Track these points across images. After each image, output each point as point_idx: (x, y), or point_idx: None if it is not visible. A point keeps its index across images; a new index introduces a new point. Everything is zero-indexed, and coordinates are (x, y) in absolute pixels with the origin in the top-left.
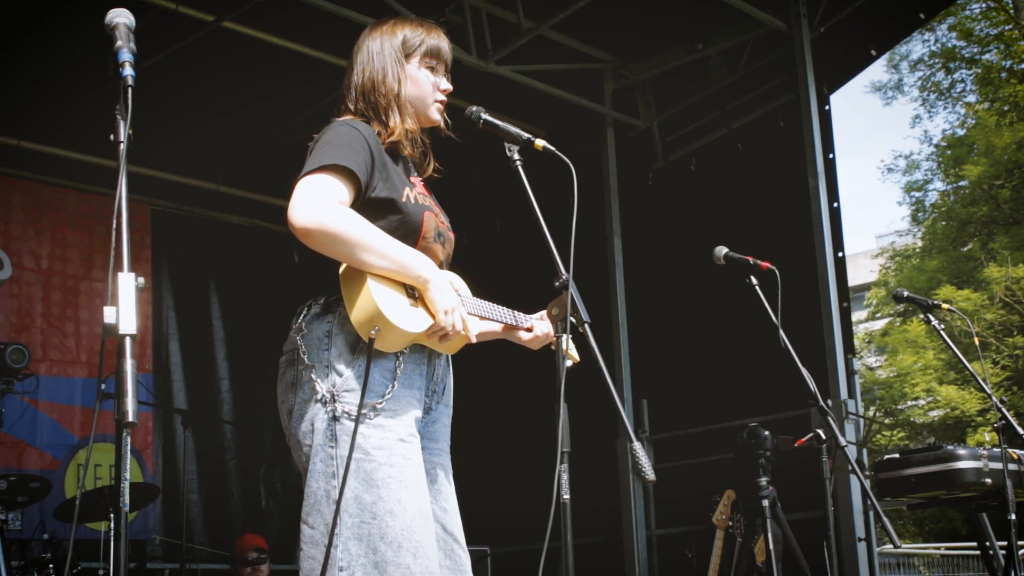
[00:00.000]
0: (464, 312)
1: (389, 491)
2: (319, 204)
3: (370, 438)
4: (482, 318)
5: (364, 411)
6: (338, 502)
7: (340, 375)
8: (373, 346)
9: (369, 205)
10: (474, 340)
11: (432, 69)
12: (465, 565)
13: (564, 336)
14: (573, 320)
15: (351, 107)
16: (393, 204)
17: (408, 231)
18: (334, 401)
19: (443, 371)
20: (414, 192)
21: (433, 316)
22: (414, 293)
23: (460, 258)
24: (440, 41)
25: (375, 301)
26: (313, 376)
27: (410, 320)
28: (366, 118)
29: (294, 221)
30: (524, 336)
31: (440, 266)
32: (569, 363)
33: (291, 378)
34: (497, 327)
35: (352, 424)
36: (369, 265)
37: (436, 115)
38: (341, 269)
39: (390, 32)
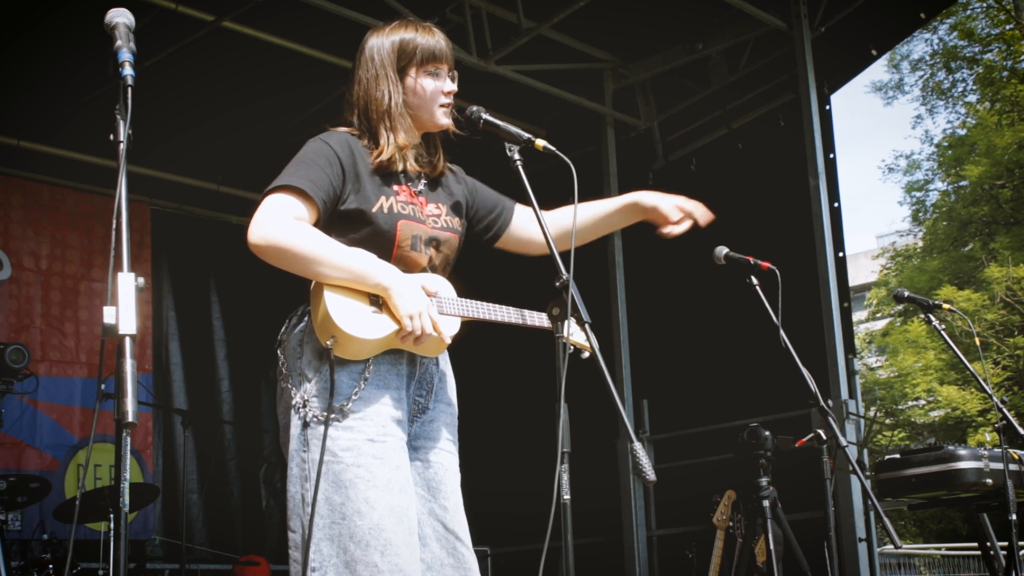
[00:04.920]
0: (434, 314)
1: (356, 491)
2: (271, 221)
3: (338, 440)
4: (466, 318)
5: (332, 415)
6: (312, 504)
7: (309, 381)
8: (335, 354)
9: (340, 217)
10: (447, 341)
11: (433, 74)
12: (469, 563)
13: (574, 330)
14: (574, 320)
15: (351, 120)
16: (362, 215)
17: (381, 241)
18: (304, 407)
19: (435, 370)
20: (390, 201)
21: (398, 322)
22: (379, 300)
23: (459, 258)
24: (436, 43)
25: (328, 311)
26: (290, 385)
27: (369, 327)
28: (360, 132)
29: (249, 238)
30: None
31: (424, 271)
32: (586, 354)
33: (279, 389)
34: (615, 212)
35: (320, 428)
36: (324, 277)
37: (443, 119)
38: (312, 283)
39: (385, 41)
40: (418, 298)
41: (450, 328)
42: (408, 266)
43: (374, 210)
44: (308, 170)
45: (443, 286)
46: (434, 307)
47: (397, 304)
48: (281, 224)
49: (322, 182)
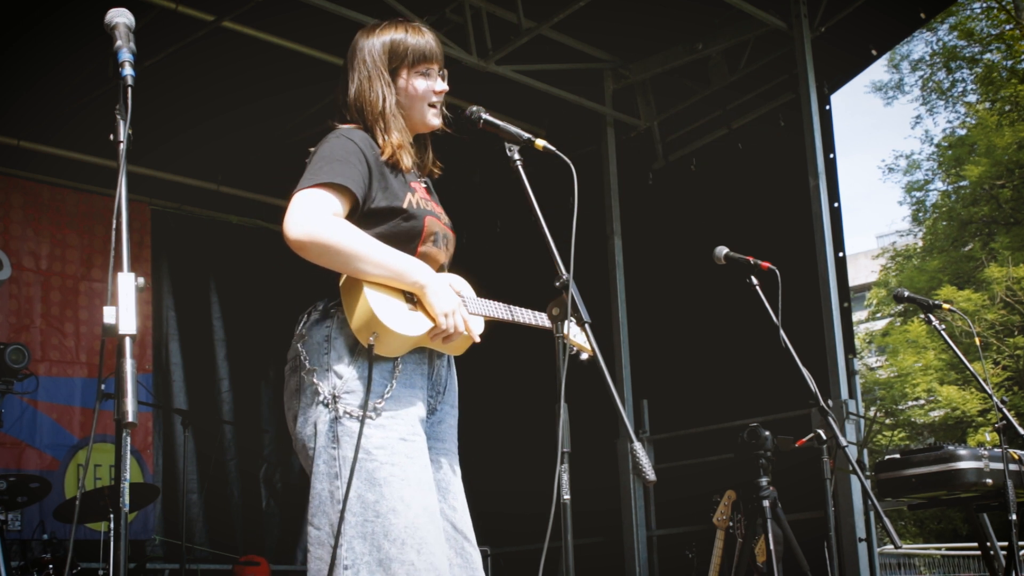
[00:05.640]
0: (465, 313)
1: (391, 489)
2: (312, 217)
3: (371, 438)
4: (487, 318)
5: (363, 413)
6: (344, 501)
7: (340, 377)
8: (373, 351)
9: (370, 215)
10: (477, 340)
11: (424, 75)
12: (476, 563)
13: (574, 332)
14: (574, 320)
15: (347, 117)
16: (394, 212)
17: (409, 237)
18: (335, 403)
19: (445, 372)
20: (415, 197)
21: (433, 320)
22: (413, 298)
23: (460, 258)
24: (427, 43)
25: (371, 308)
26: (315, 380)
27: (408, 324)
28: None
29: (288, 234)
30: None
31: (441, 269)
32: (585, 356)
33: (295, 384)
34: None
35: (352, 424)
36: (364, 274)
37: (434, 120)
38: (341, 280)
39: (376, 42)
40: (451, 297)
41: (477, 327)
42: (428, 263)
43: (404, 205)
44: (342, 167)
45: (465, 286)
46: (463, 307)
47: (432, 302)
48: (322, 220)
49: (356, 178)
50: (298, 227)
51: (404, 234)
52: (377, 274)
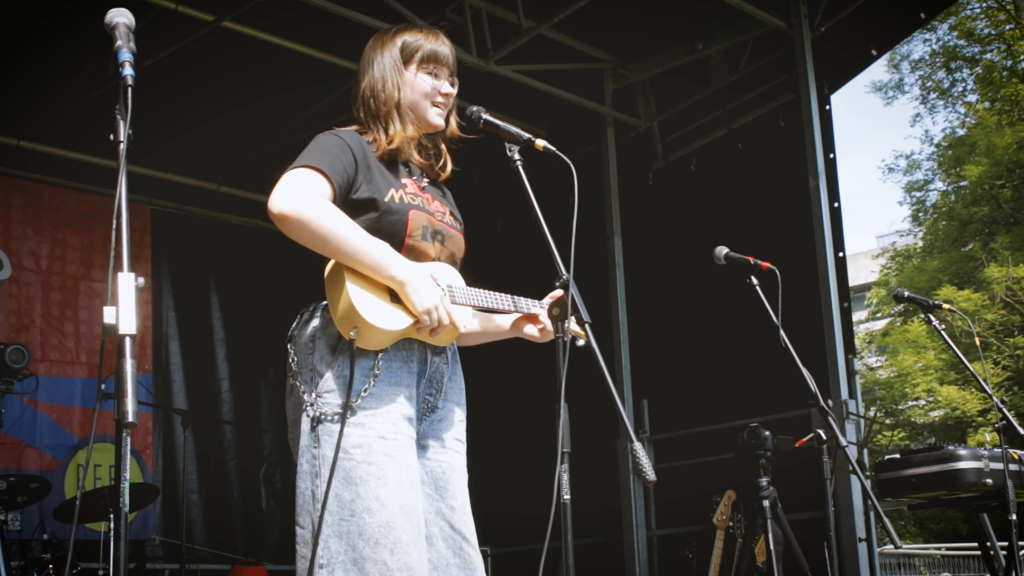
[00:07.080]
0: (448, 304)
1: (367, 488)
2: (297, 193)
3: (349, 437)
4: (477, 307)
5: (343, 411)
6: (324, 501)
7: (321, 376)
8: (355, 345)
9: (351, 206)
10: (462, 330)
11: (432, 74)
12: (475, 563)
13: (570, 326)
14: (574, 320)
15: (355, 115)
16: (374, 204)
17: (392, 230)
18: (316, 402)
19: (444, 369)
20: (400, 192)
21: (415, 316)
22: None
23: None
24: (438, 45)
25: (351, 301)
26: (299, 382)
27: (389, 318)
28: (363, 127)
29: (271, 207)
30: (531, 331)
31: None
32: (581, 342)
33: (288, 387)
34: (505, 326)
35: (331, 424)
36: (341, 256)
37: (435, 119)
38: (326, 273)
39: (391, 40)
40: (432, 292)
41: (463, 318)
42: (418, 256)
43: (386, 199)
44: (323, 155)
45: (451, 275)
46: (447, 297)
47: (413, 300)
48: (307, 197)
49: (337, 167)
50: (282, 201)
51: (387, 227)
52: (356, 260)
